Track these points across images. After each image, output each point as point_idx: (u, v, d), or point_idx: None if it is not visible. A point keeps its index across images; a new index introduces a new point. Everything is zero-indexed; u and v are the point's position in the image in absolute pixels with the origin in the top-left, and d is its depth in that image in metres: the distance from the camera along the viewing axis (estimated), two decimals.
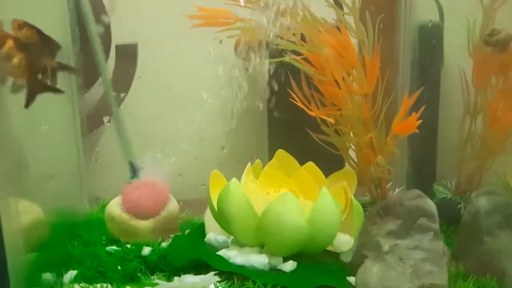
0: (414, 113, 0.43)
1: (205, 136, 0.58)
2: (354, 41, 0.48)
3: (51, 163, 0.45)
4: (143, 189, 0.48)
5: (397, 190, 0.51)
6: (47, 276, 0.41)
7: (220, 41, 0.49)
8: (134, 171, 0.50)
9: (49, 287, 0.41)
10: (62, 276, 0.42)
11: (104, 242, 0.48)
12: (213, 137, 0.59)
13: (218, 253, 0.45)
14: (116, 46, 0.58)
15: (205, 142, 0.58)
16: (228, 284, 0.41)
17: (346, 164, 0.53)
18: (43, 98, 0.37)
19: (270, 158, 0.53)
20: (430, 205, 0.44)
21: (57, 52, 0.36)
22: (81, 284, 0.41)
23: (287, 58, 0.48)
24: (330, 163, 0.53)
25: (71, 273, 0.42)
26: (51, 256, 0.43)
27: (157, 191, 0.49)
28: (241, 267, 0.43)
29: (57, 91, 0.37)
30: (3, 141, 0.34)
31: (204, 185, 0.55)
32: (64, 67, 0.37)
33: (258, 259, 0.44)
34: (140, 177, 0.48)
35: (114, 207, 0.50)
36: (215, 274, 0.42)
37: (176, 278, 0.43)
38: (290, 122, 0.60)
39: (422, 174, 0.57)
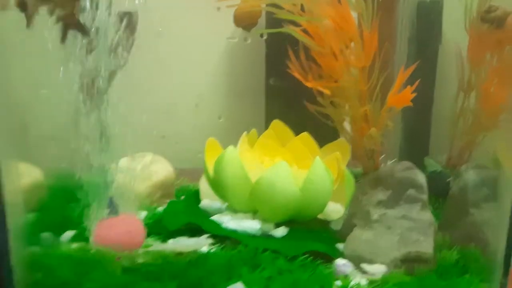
0: (409, 86, 0.44)
1: (202, 105, 0.58)
2: (353, 14, 0.49)
3: (53, 126, 0.46)
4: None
5: (389, 163, 0.52)
6: (46, 235, 0.42)
7: (218, 8, 0.49)
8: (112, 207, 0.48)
9: (48, 245, 0.42)
10: (60, 236, 0.43)
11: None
12: (210, 106, 0.60)
13: (212, 218, 0.46)
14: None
15: (202, 111, 0.58)
16: (221, 247, 0.43)
17: (341, 135, 0.54)
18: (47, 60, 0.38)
19: (267, 128, 0.54)
20: (420, 177, 0.46)
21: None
22: (78, 243, 0.42)
23: (286, 28, 0.49)
24: (326, 134, 0.54)
25: (69, 233, 0.44)
26: (49, 217, 0.44)
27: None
28: (234, 231, 0.44)
29: (86, 32, 0.38)
30: (5, 103, 0.35)
31: (200, 153, 0.56)
32: (81, 26, 0.38)
33: (250, 225, 0.45)
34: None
35: (119, 177, 0.51)
36: (208, 238, 0.43)
37: (170, 240, 0.44)
38: (288, 92, 0.61)
39: (415, 147, 0.58)
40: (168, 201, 0.53)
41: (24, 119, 0.43)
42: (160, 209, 0.51)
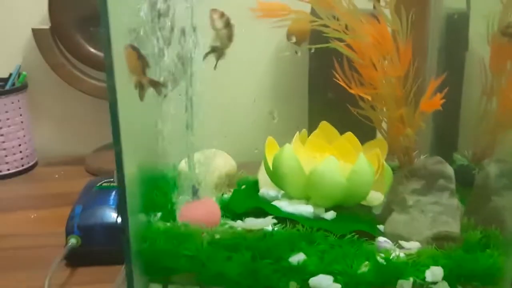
0: (438, 93, 0.52)
1: (258, 107, 0.67)
2: (389, 30, 0.57)
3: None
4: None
5: (421, 157, 0.60)
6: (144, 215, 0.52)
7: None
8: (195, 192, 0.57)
9: (147, 222, 0.51)
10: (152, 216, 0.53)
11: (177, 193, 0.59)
12: (264, 108, 0.69)
13: (272, 203, 0.56)
14: None
15: (257, 112, 0.67)
16: (282, 226, 0.52)
17: (378, 135, 0.63)
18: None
19: (309, 130, 0.63)
20: (449, 169, 0.54)
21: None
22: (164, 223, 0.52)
23: (332, 44, 0.57)
24: (362, 134, 0.63)
25: (158, 215, 0.53)
26: (144, 202, 0.53)
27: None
28: (292, 214, 0.53)
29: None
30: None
31: (256, 149, 0.65)
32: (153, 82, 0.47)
33: (305, 209, 0.54)
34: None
35: (184, 166, 0.61)
36: (272, 218, 0.52)
37: (238, 221, 0.53)
38: (326, 98, 0.69)
39: (445, 145, 0.66)
40: (231, 190, 0.62)
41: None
42: (226, 196, 0.60)
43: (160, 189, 0.56)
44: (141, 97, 0.44)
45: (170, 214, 0.53)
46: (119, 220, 0.59)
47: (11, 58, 0.89)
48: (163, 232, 0.47)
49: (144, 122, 0.52)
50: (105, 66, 0.39)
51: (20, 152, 0.87)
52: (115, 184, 0.65)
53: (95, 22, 0.81)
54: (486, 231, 0.51)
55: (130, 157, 0.43)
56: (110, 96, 0.40)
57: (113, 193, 0.64)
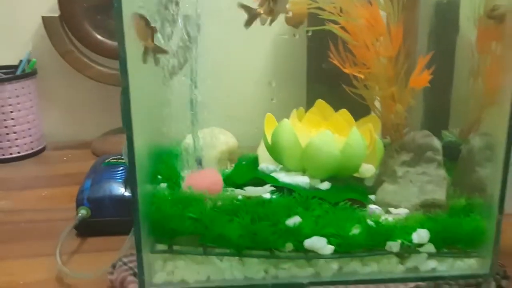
0: (427, 70, 0.56)
1: (258, 89, 0.71)
2: (382, 13, 0.61)
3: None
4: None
5: (410, 134, 0.64)
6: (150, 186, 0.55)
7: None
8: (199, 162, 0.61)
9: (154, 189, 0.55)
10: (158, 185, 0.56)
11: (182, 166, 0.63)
12: (264, 90, 0.72)
13: (271, 174, 0.59)
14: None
15: (258, 94, 0.71)
16: (280, 194, 0.55)
17: (371, 112, 0.66)
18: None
19: (308, 108, 0.67)
20: (436, 142, 0.57)
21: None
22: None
23: (328, 26, 0.61)
24: (356, 112, 0.66)
25: (163, 185, 0.57)
26: (151, 174, 0.56)
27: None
28: (289, 184, 0.57)
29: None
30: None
31: (256, 128, 0.69)
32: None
33: (302, 179, 0.57)
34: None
35: (188, 140, 0.65)
36: (270, 187, 0.56)
37: (238, 190, 0.57)
38: (324, 78, 0.73)
39: (435, 123, 0.70)
40: (232, 165, 0.66)
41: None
42: (227, 170, 0.64)
43: (166, 163, 0.60)
44: (144, 60, 0.47)
45: (175, 185, 0.57)
46: (127, 193, 0.63)
47: (21, 45, 0.93)
48: (169, 197, 0.50)
49: (152, 101, 0.55)
50: (117, 40, 0.43)
51: (30, 136, 0.91)
52: (122, 160, 0.69)
53: (103, 10, 0.86)
54: (470, 199, 0.55)
55: (139, 133, 0.47)
56: (122, 74, 0.44)
57: (120, 168, 0.68)
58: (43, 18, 0.87)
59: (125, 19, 0.43)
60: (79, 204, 0.63)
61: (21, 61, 0.90)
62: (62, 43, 0.88)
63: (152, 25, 0.46)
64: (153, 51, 0.48)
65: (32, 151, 0.91)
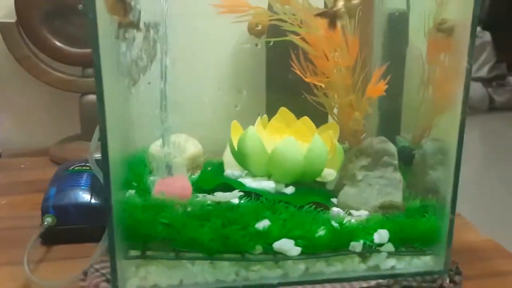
0: (382, 80, 0.59)
1: (221, 97, 0.73)
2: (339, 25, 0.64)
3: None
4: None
5: (367, 139, 0.67)
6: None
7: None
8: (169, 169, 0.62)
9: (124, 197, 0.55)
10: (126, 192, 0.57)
11: (149, 173, 0.64)
12: (227, 98, 0.74)
13: (238, 180, 0.61)
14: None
15: (221, 101, 0.73)
16: (247, 199, 0.57)
17: (330, 120, 0.70)
18: None
19: (267, 115, 0.69)
20: (392, 147, 0.61)
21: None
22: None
23: (289, 37, 0.63)
24: (316, 120, 0.70)
25: (131, 191, 0.58)
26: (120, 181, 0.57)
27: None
28: (255, 189, 0.59)
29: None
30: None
31: (220, 134, 0.71)
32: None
33: (268, 184, 0.59)
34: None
35: (155, 148, 0.66)
36: (238, 192, 0.58)
37: (208, 195, 0.59)
38: (282, 87, 0.76)
39: (389, 129, 0.74)
40: (198, 172, 0.67)
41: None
42: (193, 177, 0.65)
43: (133, 170, 0.61)
44: (117, 36, 0.48)
45: (143, 191, 0.58)
46: (93, 200, 0.64)
47: None
48: (141, 203, 0.52)
49: (121, 108, 0.56)
50: (92, 55, 0.44)
51: None
52: (86, 167, 0.69)
53: (61, 16, 0.85)
54: (424, 200, 0.59)
55: (112, 140, 0.48)
56: (96, 81, 0.45)
57: (84, 175, 0.68)
58: None
59: (100, 26, 0.44)
60: (44, 212, 0.63)
61: None
62: (18, 49, 0.87)
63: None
64: (125, 26, 0.48)
65: None
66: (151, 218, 0.51)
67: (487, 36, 3.93)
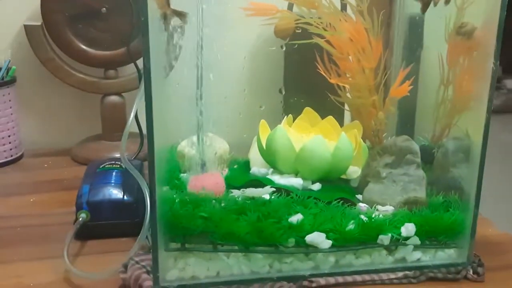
0: (407, 81, 0.62)
1: (247, 98, 0.75)
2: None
3: None
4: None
5: (389, 138, 0.70)
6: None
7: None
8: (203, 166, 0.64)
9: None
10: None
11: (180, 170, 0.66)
12: (253, 98, 0.76)
13: (267, 177, 0.64)
14: None
15: (247, 102, 0.75)
16: (278, 194, 0.60)
17: (345, 119, 0.72)
18: None
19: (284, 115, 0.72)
20: (415, 145, 0.63)
21: None
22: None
23: (315, 39, 0.66)
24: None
25: (165, 188, 0.60)
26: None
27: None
28: (285, 185, 0.62)
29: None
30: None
31: (245, 134, 0.73)
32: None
33: (296, 181, 0.62)
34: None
35: (185, 146, 0.68)
36: (269, 188, 0.60)
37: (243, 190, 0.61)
38: (300, 88, 0.78)
39: (406, 129, 0.76)
40: (225, 169, 0.70)
41: None
42: (223, 173, 0.68)
43: (166, 166, 0.63)
44: (167, 27, 0.51)
45: (176, 187, 0.60)
46: (125, 196, 0.66)
47: (0, 53, 0.93)
48: (181, 198, 0.54)
49: (161, 106, 0.59)
50: (143, 53, 0.46)
51: (10, 143, 0.91)
52: (116, 165, 0.72)
53: (84, 19, 0.88)
54: (447, 196, 0.61)
55: (157, 136, 0.50)
56: (146, 82, 0.47)
57: (114, 173, 0.70)
58: (25, 26, 0.88)
59: (151, 35, 0.46)
60: (78, 208, 0.65)
61: (0, 68, 0.90)
62: (43, 51, 0.89)
63: None
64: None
65: (11, 158, 0.92)
66: (190, 212, 0.53)
67: None
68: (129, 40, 0.87)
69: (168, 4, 0.51)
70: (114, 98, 0.94)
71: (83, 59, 0.91)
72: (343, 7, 0.66)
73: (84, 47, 0.90)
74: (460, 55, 0.67)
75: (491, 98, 0.54)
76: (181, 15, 0.53)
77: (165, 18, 0.51)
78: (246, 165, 0.69)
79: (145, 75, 0.47)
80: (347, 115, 0.73)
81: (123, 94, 0.95)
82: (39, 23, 0.88)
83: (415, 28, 0.74)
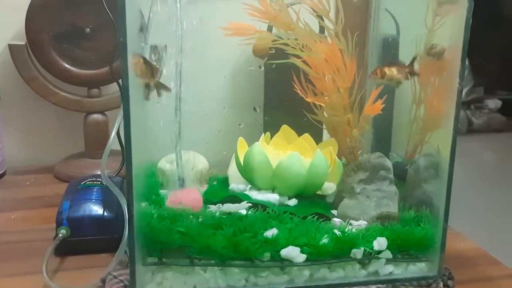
0: (379, 100, 0.64)
1: (227, 116, 0.77)
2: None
3: None
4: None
5: (364, 155, 0.72)
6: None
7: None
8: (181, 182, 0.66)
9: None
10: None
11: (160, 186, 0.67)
12: (233, 116, 0.78)
13: (244, 192, 0.65)
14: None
15: (227, 119, 0.77)
16: (254, 210, 0.61)
17: (324, 136, 0.74)
18: None
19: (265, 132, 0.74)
20: (388, 162, 0.65)
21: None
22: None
23: (292, 60, 0.68)
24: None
25: (145, 204, 0.61)
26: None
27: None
28: (261, 201, 0.63)
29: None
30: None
31: (225, 151, 0.75)
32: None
33: (272, 196, 0.63)
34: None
35: (165, 163, 0.70)
36: (246, 203, 0.62)
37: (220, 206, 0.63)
38: (279, 106, 0.80)
39: (381, 146, 0.78)
40: (204, 186, 0.71)
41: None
42: (201, 190, 0.69)
43: (145, 183, 0.64)
44: (146, 97, 0.53)
45: (155, 203, 0.62)
46: (105, 212, 0.67)
47: None
48: (159, 213, 0.55)
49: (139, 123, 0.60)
50: (122, 72, 0.48)
51: None
52: (97, 182, 0.73)
53: (68, 39, 0.89)
54: (418, 211, 0.63)
55: (134, 153, 0.52)
56: (123, 100, 0.49)
57: (95, 189, 0.71)
58: (10, 46, 0.90)
59: (129, 55, 0.48)
60: (58, 224, 0.66)
61: None
62: (27, 70, 0.91)
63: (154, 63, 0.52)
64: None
65: None
66: (168, 227, 0.54)
67: None
68: (112, 59, 0.88)
69: (153, 76, 0.54)
70: (97, 116, 0.95)
71: (67, 78, 0.92)
72: (322, 30, 0.68)
73: (68, 66, 0.91)
74: (430, 75, 0.69)
75: (458, 116, 0.56)
76: (164, 88, 0.55)
77: (147, 88, 0.53)
78: (225, 181, 0.70)
79: (123, 94, 0.49)
80: (325, 132, 0.75)
81: (106, 112, 0.96)
82: (23, 43, 0.90)
83: (389, 48, 0.76)
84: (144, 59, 0.52)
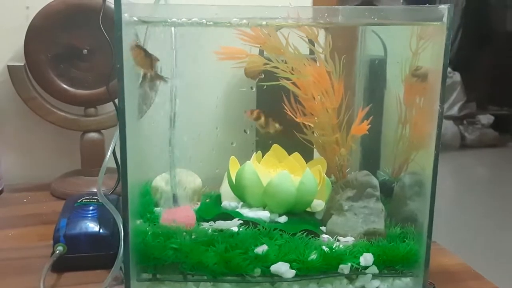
0: (366, 120, 0.67)
1: (220, 135, 0.80)
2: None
3: None
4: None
5: (352, 173, 0.74)
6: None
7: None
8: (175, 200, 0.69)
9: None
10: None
11: (154, 204, 0.70)
12: (225, 135, 0.81)
13: (236, 210, 0.68)
14: None
15: (220, 139, 0.79)
16: (246, 227, 0.63)
17: (315, 155, 0.77)
18: None
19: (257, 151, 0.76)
20: (374, 180, 0.68)
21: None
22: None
23: (282, 82, 0.71)
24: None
25: (138, 221, 0.64)
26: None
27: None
28: (253, 218, 0.65)
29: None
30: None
31: (217, 169, 0.77)
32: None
33: (263, 214, 0.66)
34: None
35: (159, 182, 0.72)
36: (238, 220, 0.64)
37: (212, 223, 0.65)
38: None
39: (369, 164, 0.81)
40: (197, 203, 0.73)
41: None
42: (194, 207, 0.71)
43: (139, 201, 0.67)
44: (143, 86, 0.55)
45: (149, 220, 0.64)
46: (101, 230, 0.69)
47: None
48: (154, 231, 0.57)
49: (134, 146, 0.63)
50: (118, 96, 0.50)
51: None
52: (93, 200, 0.75)
53: (66, 60, 0.92)
54: (404, 228, 0.65)
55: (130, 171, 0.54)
56: (120, 121, 0.51)
57: (91, 207, 0.73)
58: (9, 66, 0.92)
59: (126, 80, 0.50)
60: (55, 241, 0.68)
61: None
62: (25, 90, 0.93)
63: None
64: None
65: None
66: (162, 244, 0.56)
67: (457, 76, 4.12)
68: (108, 80, 0.91)
69: (152, 67, 0.56)
70: (93, 135, 0.98)
71: (64, 98, 0.95)
72: (312, 53, 0.71)
73: (65, 86, 0.94)
74: (415, 96, 0.72)
75: (439, 136, 0.59)
76: (161, 78, 0.58)
77: (145, 78, 0.56)
78: (218, 199, 0.73)
79: (119, 116, 0.51)
80: (316, 151, 0.77)
81: (102, 131, 0.98)
82: (22, 64, 0.92)
83: (375, 70, 0.79)
84: (145, 51, 0.54)
